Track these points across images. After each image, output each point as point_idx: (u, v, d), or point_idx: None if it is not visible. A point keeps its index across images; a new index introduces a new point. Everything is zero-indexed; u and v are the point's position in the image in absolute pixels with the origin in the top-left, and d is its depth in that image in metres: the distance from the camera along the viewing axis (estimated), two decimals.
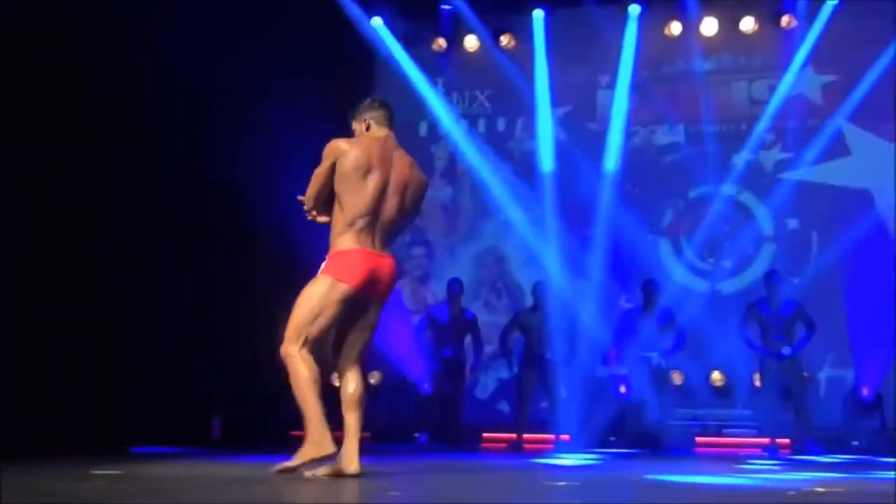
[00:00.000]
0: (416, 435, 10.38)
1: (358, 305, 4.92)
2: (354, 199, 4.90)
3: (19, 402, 7.04)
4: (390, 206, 4.98)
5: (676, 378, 10.17)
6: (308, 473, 4.81)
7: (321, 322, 4.82)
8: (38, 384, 7.37)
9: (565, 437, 9.87)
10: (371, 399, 11.35)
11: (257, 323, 7.11)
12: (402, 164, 5.07)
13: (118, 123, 8.26)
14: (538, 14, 11.43)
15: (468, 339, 10.25)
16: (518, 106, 11.75)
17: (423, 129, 12.19)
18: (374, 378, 11.45)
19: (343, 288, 4.83)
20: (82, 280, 7.91)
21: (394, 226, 5.05)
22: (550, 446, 9.71)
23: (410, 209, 5.11)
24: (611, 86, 11.53)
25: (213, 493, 4.21)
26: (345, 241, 4.88)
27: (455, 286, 10.25)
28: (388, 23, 11.59)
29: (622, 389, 10.05)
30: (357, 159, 4.92)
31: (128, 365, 8.23)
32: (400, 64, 11.59)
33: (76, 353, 7.74)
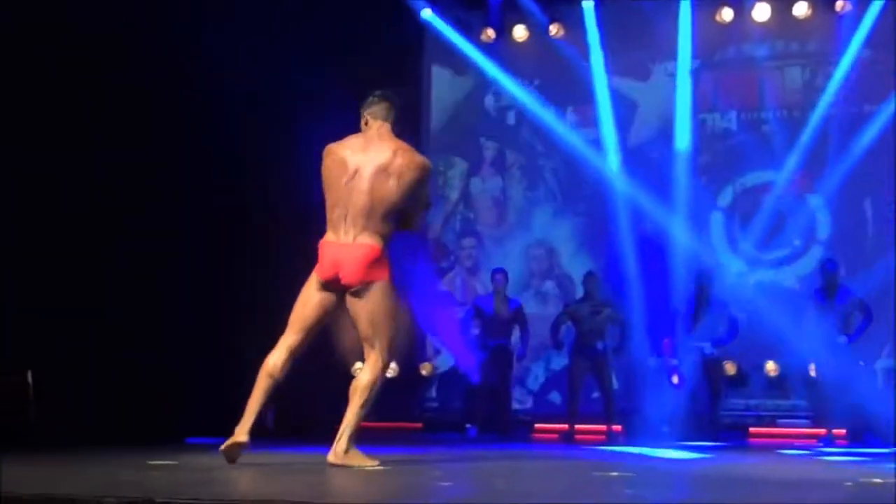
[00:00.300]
0: (467, 426, 10.41)
1: (338, 295, 5.05)
2: (329, 194, 5.09)
3: (77, 393, 7.17)
4: (364, 194, 5.01)
5: (730, 368, 10.10)
6: None
7: (303, 312, 5.06)
8: (95, 375, 7.50)
9: (617, 427, 9.85)
10: (423, 390, 11.57)
11: None
12: (382, 151, 5.08)
13: (169, 123, 8.37)
14: (588, 4, 11.37)
15: (515, 330, 10.26)
16: (568, 95, 11.71)
17: (472, 119, 12.19)
18: (426, 369, 11.52)
19: (315, 278, 5.07)
20: (136, 274, 8.03)
21: (383, 212, 5.03)
22: (602, 437, 9.69)
23: (401, 194, 5.06)
24: (662, 74, 11.45)
25: (268, 483, 4.27)
26: (326, 233, 5.08)
27: (499, 276, 10.26)
28: (438, 13, 11.62)
29: (675, 380, 10.00)
30: (332, 161, 5.11)
31: (182, 355, 8.35)
32: (455, 49, 11.60)
33: (131, 344, 7.86)
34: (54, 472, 4.69)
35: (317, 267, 5.07)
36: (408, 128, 12.57)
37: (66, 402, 7.06)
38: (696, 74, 11.32)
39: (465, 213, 12.17)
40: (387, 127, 5.18)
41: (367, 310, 5.00)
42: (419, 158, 5.15)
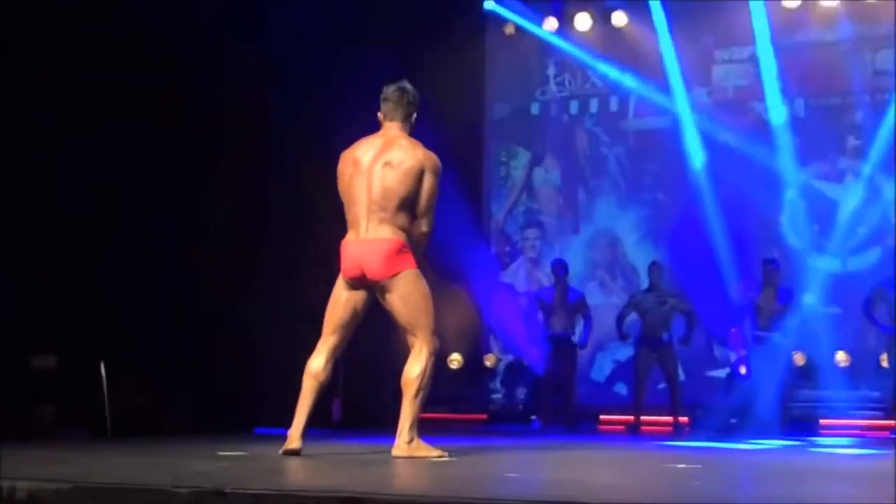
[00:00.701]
0: (532, 417, 10.42)
1: (367, 291, 5.11)
2: (344, 196, 5.15)
3: (149, 384, 7.31)
4: (373, 188, 5.04)
5: (799, 359, 9.97)
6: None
7: (334, 314, 5.15)
8: (166, 366, 7.64)
9: (684, 419, 9.79)
10: (487, 381, 11.60)
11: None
12: (390, 148, 5.09)
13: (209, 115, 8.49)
14: None
15: (578, 320, 10.23)
16: (631, 85, 11.63)
17: (534, 110, 12.18)
18: (490, 361, 11.54)
19: (342, 279, 5.14)
20: (208, 267, 8.16)
21: (396, 204, 5.02)
22: (669, 429, 9.64)
23: (405, 185, 5.04)
24: (727, 60, 11.33)
25: (334, 475, 4.32)
26: (347, 234, 5.15)
27: (560, 267, 10.24)
28: (500, 3, 11.63)
29: (742, 371, 9.91)
30: (345, 164, 5.18)
31: (251, 346, 8.47)
32: (517, 39, 11.60)
33: (202, 336, 7.99)
34: (126, 462, 4.79)
35: (342, 265, 5.13)
36: (470, 118, 12.63)
37: (137, 392, 7.19)
38: (760, 61, 11.17)
39: (528, 204, 12.15)
40: (397, 126, 5.18)
41: (401, 300, 5.04)
42: (421, 151, 5.11)
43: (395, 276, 5.02)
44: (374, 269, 5.02)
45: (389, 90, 5.21)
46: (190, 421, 7.59)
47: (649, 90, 11.46)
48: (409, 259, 5.07)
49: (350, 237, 5.12)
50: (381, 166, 5.07)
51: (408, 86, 5.25)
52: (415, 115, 5.25)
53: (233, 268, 8.36)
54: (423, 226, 5.13)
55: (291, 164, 9.07)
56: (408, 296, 5.03)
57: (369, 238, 5.04)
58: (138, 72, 7.81)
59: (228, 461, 4.84)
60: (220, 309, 8.21)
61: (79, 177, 7.33)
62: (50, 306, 7.12)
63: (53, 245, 7.16)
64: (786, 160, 10.85)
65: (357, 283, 5.10)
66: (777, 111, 10.91)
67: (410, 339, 5.10)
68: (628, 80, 11.51)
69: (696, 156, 11.12)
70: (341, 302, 5.15)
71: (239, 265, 8.43)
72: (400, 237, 5.05)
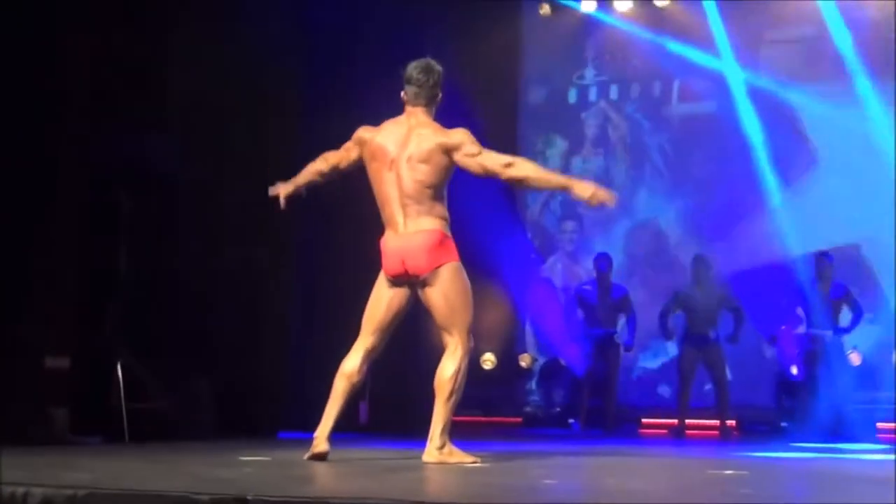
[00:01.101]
0: (570, 421, 10.40)
1: (409, 289, 5.12)
2: (376, 192, 5.17)
3: (171, 387, 7.37)
4: (404, 182, 5.05)
5: (854, 358, 9.89)
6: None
7: (374, 314, 5.17)
8: (186, 368, 7.69)
9: (731, 423, 9.74)
10: (522, 383, 11.59)
11: None
12: (414, 138, 5.09)
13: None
14: None
15: (621, 318, 10.20)
16: (674, 68, 11.58)
17: (571, 95, 12.15)
18: (525, 361, 11.53)
19: (383, 277, 5.16)
20: (231, 270, 8.21)
21: (431, 194, 5.05)
22: (715, 433, 9.59)
23: (439, 175, 5.06)
24: (778, 41, 11.25)
25: (361, 481, 4.33)
26: (384, 234, 5.17)
27: (603, 262, 10.20)
28: None
29: (794, 371, 9.85)
30: (370, 152, 5.17)
31: (274, 349, 8.51)
32: (553, 21, 11.59)
33: (224, 338, 8.04)
34: (143, 467, 4.83)
35: (383, 262, 5.15)
36: (504, 103, 12.59)
37: (155, 395, 7.24)
38: (811, 43, 11.08)
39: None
40: (422, 112, 5.17)
41: (441, 295, 5.06)
42: (442, 135, 5.08)
43: (436, 269, 5.04)
44: (416, 263, 5.05)
45: (414, 72, 5.18)
46: (211, 425, 7.63)
47: (696, 72, 11.40)
48: (452, 250, 5.10)
49: (389, 234, 5.15)
50: (406, 161, 5.08)
51: (433, 65, 5.22)
52: (440, 97, 5.24)
53: (258, 266, 8.40)
54: (513, 170, 5.08)
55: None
56: (448, 292, 5.05)
57: (409, 231, 5.07)
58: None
59: (251, 467, 4.87)
60: (243, 309, 8.25)
61: (104, 171, 7.40)
62: (64, 304, 7.18)
63: (68, 240, 7.23)
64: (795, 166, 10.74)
65: (400, 279, 5.12)
66: (865, 88, 10.75)
67: (445, 337, 5.11)
68: (626, 68, 11.49)
69: (758, 143, 11.03)
70: (383, 300, 5.17)
71: (264, 262, 8.47)
72: (439, 227, 5.08)
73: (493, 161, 5.08)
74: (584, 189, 5.10)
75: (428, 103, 5.20)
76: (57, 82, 7.14)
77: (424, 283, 5.07)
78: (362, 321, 5.22)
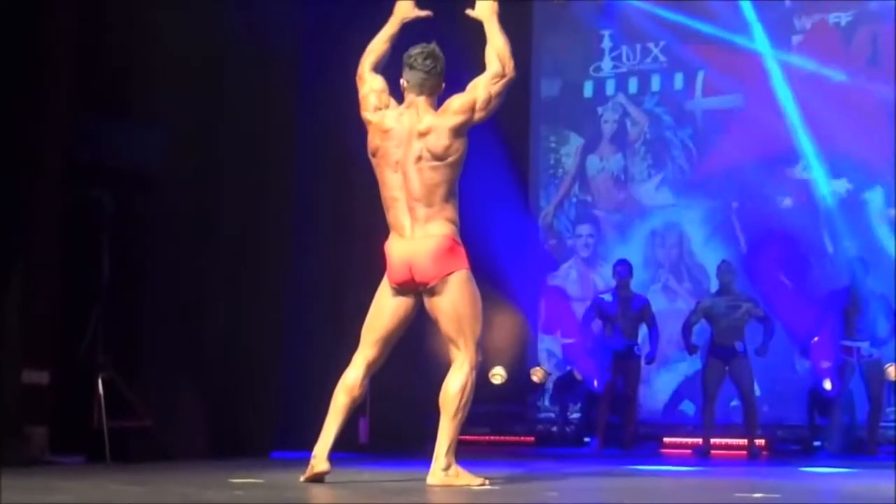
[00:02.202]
0: (587, 439, 10.42)
1: (414, 298, 5.14)
2: (381, 189, 5.19)
3: (152, 401, 7.39)
4: (413, 184, 5.08)
5: (892, 372, 9.90)
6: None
7: (377, 323, 5.19)
8: (173, 384, 7.72)
9: (760, 441, 9.75)
10: (535, 398, 11.61)
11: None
12: (412, 137, 5.10)
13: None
14: None
15: (642, 329, 10.22)
16: (698, 59, 11.60)
17: (587, 89, 12.18)
18: (538, 375, 11.54)
19: (387, 285, 5.18)
20: (225, 283, 8.24)
21: (441, 194, 5.07)
22: (743, 453, 9.61)
23: (452, 169, 5.09)
24: (808, 29, 11.28)
25: None
26: (390, 236, 5.20)
27: (623, 269, 10.21)
28: None
29: (827, 385, 9.85)
30: (370, 141, 5.21)
31: (267, 365, 8.53)
32: (568, 11, 11.64)
33: (214, 352, 8.07)
34: (127, 490, 4.85)
35: (387, 268, 5.17)
36: (515, 98, 12.59)
37: (140, 412, 7.27)
38: (846, 30, 11.10)
39: (580, 196, 12.15)
40: (425, 102, 5.17)
41: (449, 305, 5.07)
42: (447, 125, 5.09)
43: (445, 277, 5.06)
44: (424, 271, 5.06)
45: (419, 57, 5.19)
46: (200, 444, 7.65)
47: (721, 63, 11.43)
48: (461, 257, 5.11)
49: (394, 239, 5.17)
50: (414, 162, 5.09)
51: (438, 51, 5.24)
52: (443, 87, 5.25)
53: (249, 277, 8.42)
54: (503, 66, 5.23)
55: (320, 164, 9.12)
56: (456, 302, 5.07)
57: (417, 236, 5.09)
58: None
59: (242, 490, 4.89)
60: (235, 322, 8.27)
61: (84, 169, 7.42)
62: (42, 314, 7.20)
63: (45, 244, 7.25)
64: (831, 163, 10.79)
65: (405, 287, 5.13)
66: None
67: (452, 350, 5.12)
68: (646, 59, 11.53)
69: (803, 140, 11.04)
70: (386, 309, 5.18)
71: (256, 274, 8.48)
72: (449, 231, 5.10)
73: (492, 84, 5.19)
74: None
75: (431, 92, 5.20)
76: (34, 74, 7.16)
77: (432, 292, 5.08)
78: (362, 331, 5.23)
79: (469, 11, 5.40)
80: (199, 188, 8.14)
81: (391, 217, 5.17)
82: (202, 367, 7.93)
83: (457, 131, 5.10)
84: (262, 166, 8.59)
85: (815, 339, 9.83)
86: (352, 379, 5.16)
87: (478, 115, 5.15)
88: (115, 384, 7.11)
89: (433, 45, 5.25)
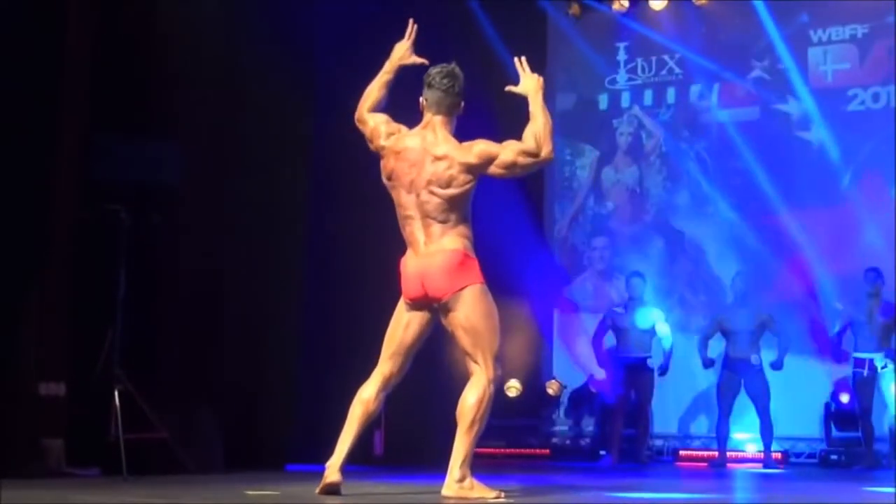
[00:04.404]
0: (602, 453, 10.42)
1: (430, 312, 5.20)
2: (396, 208, 5.23)
3: (169, 414, 7.44)
4: (427, 203, 5.12)
5: None
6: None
7: (394, 338, 5.24)
8: (189, 397, 7.76)
9: (776, 454, 9.75)
10: (550, 412, 11.61)
11: None
12: (426, 159, 5.14)
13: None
14: None
15: (655, 342, 10.20)
16: (714, 71, 11.63)
17: (602, 102, 12.21)
18: (553, 388, 11.55)
19: (402, 300, 5.24)
20: (239, 294, 8.29)
21: (456, 214, 5.13)
22: (759, 466, 9.60)
23: (464, 193, 5.13)
24: (825, 41, 11.30)
25: None
26: (405, 254, 5.24)
27: (637, 281, 10.20)
28: None
29: (844, 398, 9.86)
30: (385, 166, 5.25)
31: (283, 377, 8.58)
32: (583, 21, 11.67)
33: (230, 365, 8.11)
34: (148, 502, 4.89)
35: (402, 285, 5.23)
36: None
37: (156, 425, 7.31)
38: (863, 42, 11.12)
39: (595, 209, 12.17)
40: (442, 122, 5.22)
41: (464, 320, 5.11)
42: (461, 158, 5.13)
43: (458, 292, 5.09)
44: (436, 285, 5.11)
45: (438, 76, 5.24)
46: (215, 457, 7.68)
47: (737, 75, 11.46)
48: (475, 271, 5.14)
49: (409, 255, 5.22)
50: (425, 185, 5.13)
51: (458, 71, 5.29)
52: (462, 107, 5.30)
53: (265, 291, 8.46)
54: (543, 153, 5.20)
55: (335, 179, 9.16)
56: (471, 315, 5.10)
57: (430, 251, 5.13)
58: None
59: (258, 501, 4.92)
60: (251, 334, 8.31)
61: (101, 184, 7.48)
62: (59, 327, 7.26)
63: (62, 259, 7.31)
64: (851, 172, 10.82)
65: (419, 303, 5.19)
66: None
67: (470, 364, 5.16)
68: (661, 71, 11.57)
69: (832, 151, 11.07)
70: (401, 324, 5.24)
71: (272, 288, 8.53)
72: (462, 246, 5.14)
73: (522, 157, 5.17)
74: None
75: (449, 111, 5.24)
76: (50, 90, 7.23)
77: (447, 308, 5.12)
78: (383, 345, 5.28)
79: (511, 88, 5.38)
80: (214, 203, 8.19)
81: (406, 232, 5.23)
82: (218, 379, 7.97)
83: (469, 170, 5.14)
84: (277, 181, 8.65)
85: (831, 349, 9.84)
86: (368, 392, 5.21)
87: (493, 170, 5.18)
88: (131, 397, 7.15)
89: (453, 65, 5.30)
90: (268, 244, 8.51)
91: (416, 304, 5.19)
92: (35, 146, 7.09)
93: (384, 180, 5.28)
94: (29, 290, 7.08)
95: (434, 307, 5.17)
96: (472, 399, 5.07)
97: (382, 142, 5.27)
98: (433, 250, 5.13)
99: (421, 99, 5.29)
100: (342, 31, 9.11)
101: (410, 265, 5.19)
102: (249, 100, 8.48)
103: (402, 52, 5.48)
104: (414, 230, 5.18)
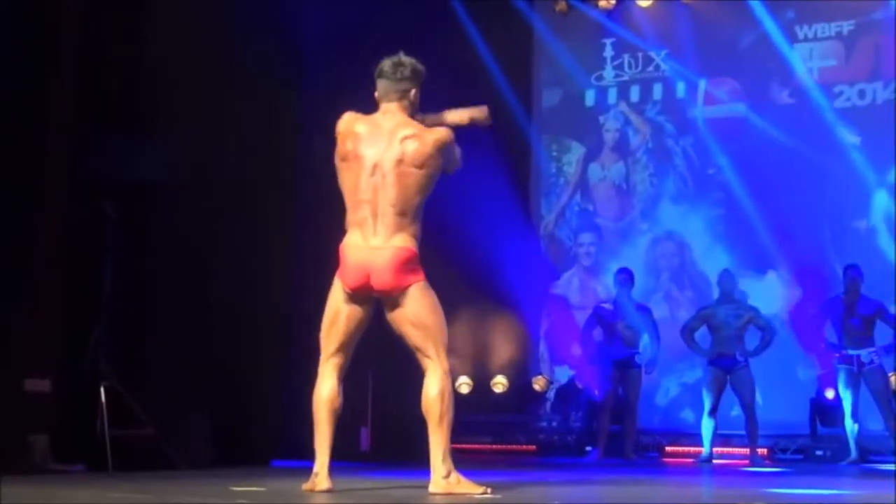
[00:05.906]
0: (588, 448, 10.44)
1: (370, 303, 5.16)
2: (349, 192, 5.18)
3: (154, 409, 7.43)
4: (390, 192, 5.09)
5: None
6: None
7: (335, 329, 5.20)
8: (175, 392, 7.76)
9: (762, 450, 9.77)
10: (536, 407, 11.62)
11: None
12: (398, 140, 5.14)
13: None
14: None
15: (643, 338, 10.22)
16: (701, 66, 11.65)
17: (589, 98, 12.22)
18: (539, 384, 11.57)
19: (340, 289, 5.18)
20: (217, 282, 8.27)
21: (414, 208, 5.12)
22: (745, 461, 9.63)
23: (428, 182, 5.15)
24: (811, 38, 11.33)
25: None
26: (347, 236, 5.18)
27: (624, 277, 10.21)
28: None
29: (829, 394, 9.88)
30: (340, 148, 5.22)
31: (268, 372, 8.57)
32: (569, 18, 11.67)
33: (215, 360, 8.10)
34: (133, 498, 4.89)
35: (339, 274, 5.17)
36: (517, 107, 12.61)
37: (142, 421, 7.30)
38: (848, 39, 11.15)
39: (582, 205, 12.19)
40: (397, 108, 5.22)
41: (412, 315, 5.10)
42: (431, 136, 5.16)
43: (405, 289, 5.08)
44: (383, 280, 5.08)
45: (385, 65, 5.26)
46: (201, 453, 7.68)
47: (723, 72, 11.48)
48: (419, 270, 5.13)
49: (354, 240, 5.15)
50: (395, 165, 5.11)
51: (405, 58, 5.29)
52: (414, 92, 5.28)
53: (253, 288, 8.45)
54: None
55: (325, 176, 9.16)
56: (419, 311, 5.10)
57: (379, 245, 5.10)
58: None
59: (244, 498, 4.92)
60: (237, 331, 8.30)
61: (88, 180, 7.46)
62: (45, 323, 7.24)
63: (49, 254, 7.29)
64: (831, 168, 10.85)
65: (359, 293, 5.14)
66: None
67: (422, 359, 5.15)
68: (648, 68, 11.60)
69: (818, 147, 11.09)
70: (342, 316, 5.18)
71: (259, 285, 8.52)
72: (414, 247, 5.13)
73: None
74: (458, 116, 5.37)
75: (402, 97, 5.24)
76: (39, 86, 7.21)
77: (393, 304, 5.10)
78: (322, 340, 5.23)
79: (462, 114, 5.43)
80: (203, 200, 8.18)
81: (358, 217, 5.14)
82: (204, 376, 7.96)
83: (439, 149, 5.14)
84: (266, 178, 8.63)
85: (821, 346, 9.86)
86: (328, 391, 5.17)
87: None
88: (117, 393, 7.14)
89: (400, 54, 5.29)
90: (256, 242, 8.50)
91: (355, 295, 5.14)
92: (22, 142, 7.07)
93: (337, 162, 5.22)
94: (15, 286, 7.06)
95: (373, 298, 5.14)
96: (433, 392, 5.07)
97: (339, 127, 5.25)
98: (383, 244, 5.09)
99: (376, 94, 5.28)
100: (331, 32, 9.11)
101: (355, 255, 5.13)
102: (238, 97, 8.46)
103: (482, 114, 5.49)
104: (367, 215, 5.11)
